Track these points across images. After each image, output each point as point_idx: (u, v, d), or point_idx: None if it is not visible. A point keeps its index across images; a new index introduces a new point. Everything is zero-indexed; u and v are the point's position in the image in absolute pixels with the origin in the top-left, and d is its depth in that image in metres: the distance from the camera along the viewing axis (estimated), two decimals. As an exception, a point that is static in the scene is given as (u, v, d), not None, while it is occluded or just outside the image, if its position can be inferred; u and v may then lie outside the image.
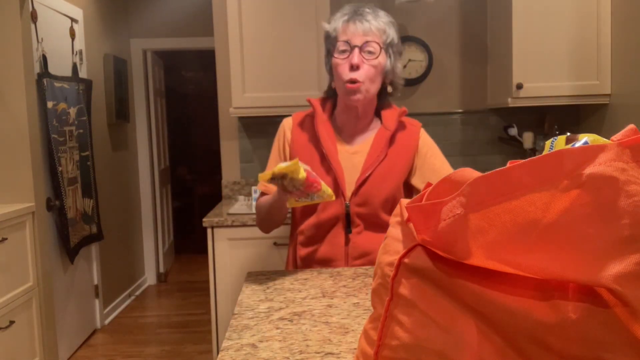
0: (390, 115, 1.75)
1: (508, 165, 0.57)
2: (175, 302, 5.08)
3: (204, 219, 2.91)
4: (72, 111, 3.87)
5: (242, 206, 3.15)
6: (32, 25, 3.38)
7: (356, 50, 1.59)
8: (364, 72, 1.60)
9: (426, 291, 0.63)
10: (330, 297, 1.36)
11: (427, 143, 1.76)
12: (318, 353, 1.02)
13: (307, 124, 1.76)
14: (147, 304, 5.09)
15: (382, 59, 1.63)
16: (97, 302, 4.34)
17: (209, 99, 7.36)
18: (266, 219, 1.76)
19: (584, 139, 0.69)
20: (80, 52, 4.20)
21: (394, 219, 0.73)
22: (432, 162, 1.74)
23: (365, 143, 1.74)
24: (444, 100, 3.62)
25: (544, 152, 0.59)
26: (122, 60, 4.99)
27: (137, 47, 5.33)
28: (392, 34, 1.65)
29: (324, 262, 1.71)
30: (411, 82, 3.56)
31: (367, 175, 1.67)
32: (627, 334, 0.50)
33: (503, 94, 3.27)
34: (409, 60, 3.54)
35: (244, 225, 2.89)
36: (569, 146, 0.69)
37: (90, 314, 4.26)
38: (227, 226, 2.90)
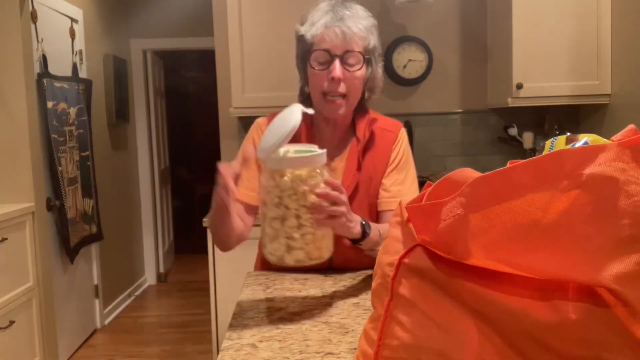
0: (362, 125, 1.58)
1: (508, 165, 0.57)
2: (175, 302, 5.08)
3: (203, 219, 2.89)
4: (72, 111, 3.87)
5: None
6: (32, 25, 3.38)
7: (337, 61, 1.43)
8: (347, 86, 1.46)
9: (426, 291, 0.63)
10: (330, 297, 1.36)
11: (398, 155, 1.60)
12: (318, 353, 1.02)
13: None
14: (147, 303, 5.08)
15: (365, 70, 1.49)
16: (97, 302, 4.34)
17: (208, 99, 7.35)
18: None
19: (584, 139, 0.69)
20: (80, 52, 4.20)
21: (393, 219, 0.73)
22: (394, 177, 1.58)
23: (340, 159, 1.59)
24: (444, 100, 3.62)
25: (544, 152, 0.59)
26: (122, 60, 4.99)
27: (137, 47, 5.34)
28: (373, 39, 1.49)
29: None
30: (411, 82, 3.57)
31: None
32: (627, 334, 0.50)
33: (503, 93, 3.27)
34: (409, 60, 3.54)
35: (244, 225, 2.87)
36: (569, 146, 0.69)
37: (90, 314, 4.26)
38: (227, 226, 2.88)
